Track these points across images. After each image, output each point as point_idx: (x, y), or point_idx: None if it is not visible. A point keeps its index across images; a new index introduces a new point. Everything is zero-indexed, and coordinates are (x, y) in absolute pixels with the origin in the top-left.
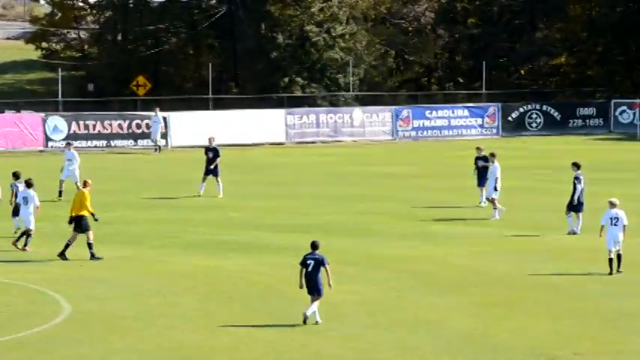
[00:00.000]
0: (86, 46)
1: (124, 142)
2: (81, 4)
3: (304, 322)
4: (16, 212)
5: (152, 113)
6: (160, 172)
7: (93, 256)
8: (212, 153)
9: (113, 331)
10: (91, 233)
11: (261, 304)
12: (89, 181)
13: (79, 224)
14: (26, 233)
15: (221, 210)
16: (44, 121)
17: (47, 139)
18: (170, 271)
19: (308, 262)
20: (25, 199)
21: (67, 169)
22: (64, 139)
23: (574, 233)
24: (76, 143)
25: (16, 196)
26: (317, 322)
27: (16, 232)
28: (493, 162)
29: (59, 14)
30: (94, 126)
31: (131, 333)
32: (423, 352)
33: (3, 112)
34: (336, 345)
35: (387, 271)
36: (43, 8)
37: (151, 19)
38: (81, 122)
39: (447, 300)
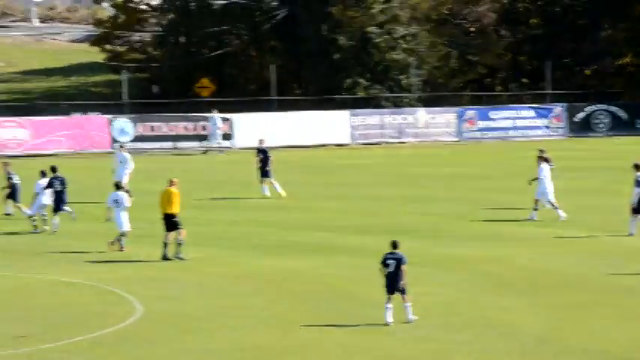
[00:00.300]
0: (150, 49)
1: (190, 144)
2: (144, 6)
3: (387, 323)
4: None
5: (211, 114)
6: (225, 173)
7: (178, 255)
8: (263, 154)
9: (185, 332)
10: (183, 232)
11: (331, 304)
12: (175, 180)
13: (171, 222)
14: (122, 235)
15: (288, 211)
16: (110, 122)
17: (113, 140)
18: (240, 272)
19: (388, 261)
20: (117, 202)
21: (120, 171)
22: (130, 141)
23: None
24: (141, 145)
25: (55, 192)
26: (410, 319)
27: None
28: (540, 163)
29: (123, 17)
30: (160, 127)
31: (202, 333)
32: (495, 354)
33: (70, 115)
34: (407, 347)
35: (458, 272)
36: (107, 11)
37: (213, 22)
38: (147, 124)
39: (519, 302)
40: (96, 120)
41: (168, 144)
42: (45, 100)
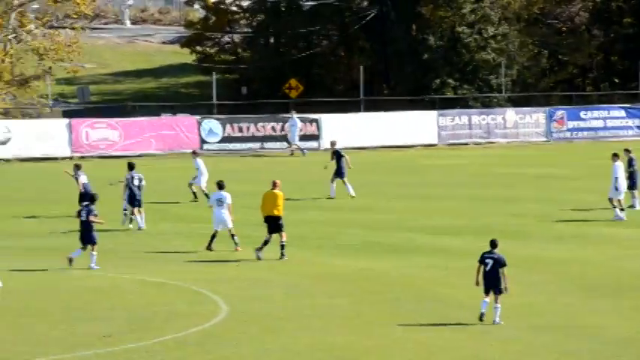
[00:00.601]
0: (239, 50)
1: (277, 145)
2: (234, 8)
3: (480, 318)
4: (131, 201)
5: (290, 115)
6: (311, 173)
7: (282, 256)
8: (336, 155)
9: (269, 332)
10: (284, 234)
11: (415, 305)
12: (278, 182)
13: (275, 225)
14: (231, 234)
15: (373, 211)
16: (199, 123)
17: (202, 141)
18: (325, 272)
19: (487, 260)
20: (220, 201)
21: (198, 177)
22: (219, 142)
23: None
24: (230, 145)
25: (129, 187)
26: (495, 321)
27: (128, 222)
28: (615, 161)
29: (213, 18)
30: (248, 128)
31: (285, 334)
32: (580, 355)
33: (160, 115)
34: (492, 347)
35: (543, 273)
36: (198, 13)
37: (303, 22)
38: (235, 125)
39: (605, 303)
40: (185, 121)
41: (256, 145)
42: (135, 102)
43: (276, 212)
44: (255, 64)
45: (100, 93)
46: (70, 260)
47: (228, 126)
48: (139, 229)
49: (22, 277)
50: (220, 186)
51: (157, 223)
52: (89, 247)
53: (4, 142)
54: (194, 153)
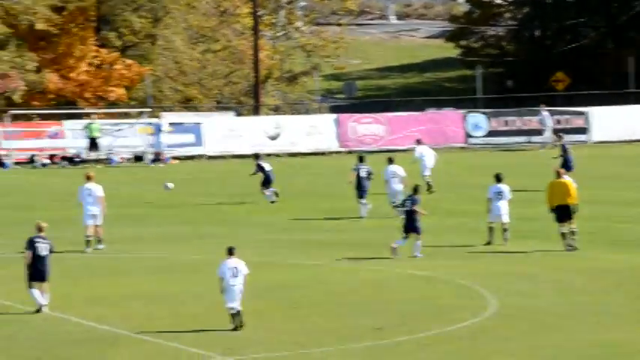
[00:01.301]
0: (504, 43)
1: (543, 138)
2: (499, 1)
3: None
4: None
5: (539, 109)
6: (580, 167)
7: (570, 247)
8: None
9: (539, 328)
10: (574, 221)
11: None
12: (562, 170)
13: (566, 214)
14: (504, 227)
15: None
16: (464, 117)
17: (467, 135)
18: (597, 267)
19: None
20: (499, 194)
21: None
22: (484, 136)
23: None
24: (495, 140)
25: (359, 180)
26: None
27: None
28: None
29: (478, 12)
30: (514, 122)
31: (558, 330)
32: None
33: (424, 110)
34: None
35: None
36: (462, 7)
37: (569, 15)
38: (501, 119)
39: None
40: (450, 115)
41: (522, 139)
42: (399, 96)
43: (569, 200)
44: (521, 58)
45: (365, 88)
46: (394, 250)
47: (493, 120)
48: (361, 217)
49: (297, 270)
50: (499, 179)
51: (425, 217)
52: (413, 235)
53: (274, 138)
54: (418, 141)
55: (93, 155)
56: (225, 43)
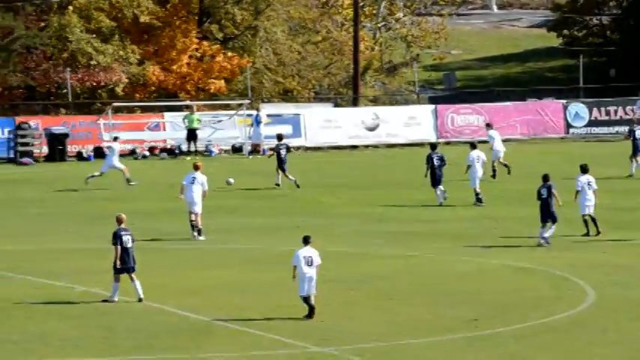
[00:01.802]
0: (608, 32)
1: None
2: None
3: None
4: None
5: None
6: None
7: None
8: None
9: (637, 319)
10: None
11: None
12: None
13: None
14: (592, 218)
15: None
16: (565, 108)
17: (568, 125)
18: None
19: None
20: (589, 184)
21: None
22: (585, 126)
23: None
24: (596, 130)
25: (433, 168)
26: None
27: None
28: None
29: (581, 1)
30: (616, 112)
31: None
32: None
33: (524, 100)
34: None
35: None
36: None
37: None
38: (602, 109)
39: None
40: (551, 105)
41: (624, 129)
42: (500, 87)
43: None
44: (624, 47)
45: (465, 79)
46: (542, 242)
47: (594, 110)
48: (440, 204)
49: (391, 261)
50: (584, 170)
51: (522, 207)
52: (549, 223)
53: (372, 129)
54: (488, 125)
55: (192, 147)
56: (326, 35)
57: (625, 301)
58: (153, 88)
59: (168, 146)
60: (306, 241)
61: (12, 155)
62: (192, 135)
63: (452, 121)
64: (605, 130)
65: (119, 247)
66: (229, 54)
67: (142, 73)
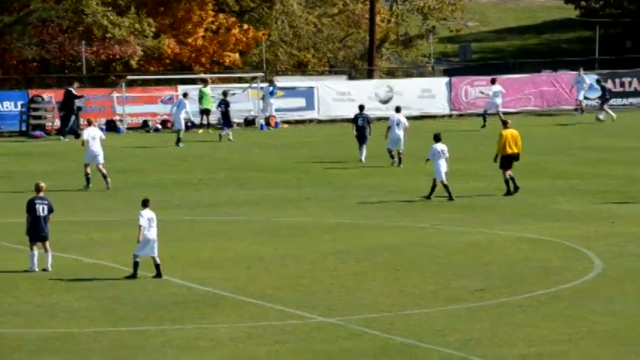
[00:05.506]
0: (625, 3)
1: None
2: None
3: None
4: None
5: None
6: None
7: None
8: None
9: None
10: None
11: None
12: (509, 121)
13: (513, 161)
14: None
15: None
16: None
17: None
18: None
19: None
20: (442, 152)
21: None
22: (598, 97)
23: None
24: (611, 101)
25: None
26: None
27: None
28: None
29: None
30: (630, 83)
31: None
32: None
33: (540, 72)
34: None
35: None
36: None
37: None
38: (617, 80)
39: None
40: (565, 77)
41: (638, 100)
42: (516, 58)
43: (518, 150)
44: None
45: (481, 51)
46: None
47: (609, 81)
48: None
49: (401, 233)
50: (437, 139)
51: (534, 179)
52: None
53: (386, 101)
54: (492, 80)
55: (205, 120)
56: (342, 7)
57: (632, 271)
58: (167, 61)
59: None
60: (145, 204)
61: (25, 128)
62: (205, 111)
63: (466, 94)
64: (618, 101)
65: (30, 215)
66: (245, 26)
67: (158, 47)
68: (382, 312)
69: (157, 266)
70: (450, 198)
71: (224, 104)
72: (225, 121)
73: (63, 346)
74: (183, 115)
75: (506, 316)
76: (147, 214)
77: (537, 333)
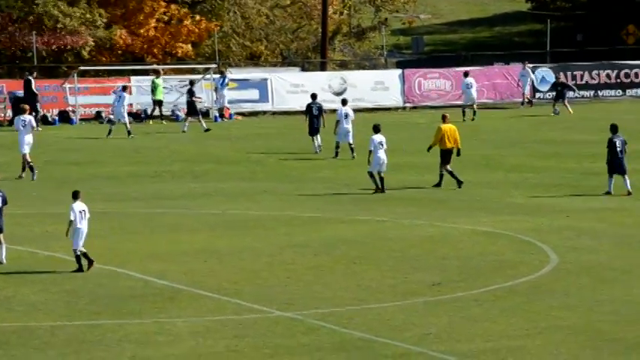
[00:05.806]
0: None
1: (612, 92)
2: None
3: None
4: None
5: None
6: None
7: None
8: None
9: (599, 283)
10: None
11: None
12: (447, 115)
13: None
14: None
15: None
16: (532, 72)
17: (534, 90)
18: None
19: None
20: (381, 144)
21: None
22: (550, 90)
23: None
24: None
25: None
26: None
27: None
28: None
29: None
30: (582, 76)
31: (619, 284)
32: None
33: (492, 65)
34: None
35: None
36: None
37: None
38: (568, 73)
39: None
40: (517, 70)
41: (590, 93)
42: (469, 51)
43: (457, 145)
44: (591, 11)
45: (433, 43)
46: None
47: (561, 74)
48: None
49: (358, 226)
50: (377, 129)
51: (488, 172)
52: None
53: (339, 93)
54: (465, 73)
55: (157, 111)
56: None
57: (587, 265)
58: (119, 52)
59: (134, 110)
60: (75, 196)
61: None
62: (157, 104)
63: (419, 86)
64: (570, 94)
65: None
66: (197, 17)
67: (109, 37)
68: (340, 306)
69: (85, 254)
70: (382, 190)
71: (189, 94)
72: (190, 109)
73: (20, 340)
74: (126, 109)
75: (463, 311)
76: (78, 206)
77: (495, 328)
